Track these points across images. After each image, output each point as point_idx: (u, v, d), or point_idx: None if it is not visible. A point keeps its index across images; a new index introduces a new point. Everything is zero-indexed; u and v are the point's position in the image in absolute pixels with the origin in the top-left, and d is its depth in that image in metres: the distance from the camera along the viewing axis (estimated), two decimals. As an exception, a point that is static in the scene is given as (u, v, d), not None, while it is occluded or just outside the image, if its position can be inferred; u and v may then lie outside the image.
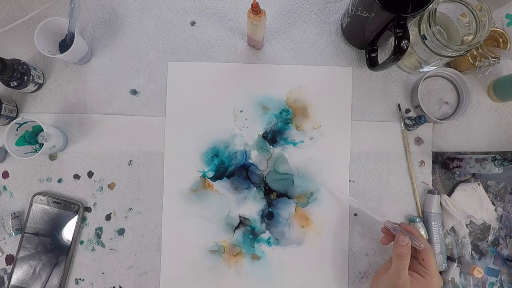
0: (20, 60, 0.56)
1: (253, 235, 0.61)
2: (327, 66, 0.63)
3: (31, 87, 0.58)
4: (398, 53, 0.50)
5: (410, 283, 0.50)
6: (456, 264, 0.60)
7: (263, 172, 0.61)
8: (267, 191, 0.61)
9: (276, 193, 0.61)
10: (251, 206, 0.61)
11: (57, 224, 0.59)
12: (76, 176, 0.60)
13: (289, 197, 0.61)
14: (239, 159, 0.61)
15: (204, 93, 0.62)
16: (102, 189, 0.60)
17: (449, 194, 0.62)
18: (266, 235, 0.61)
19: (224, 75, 0.62)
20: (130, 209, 0.60)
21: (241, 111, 0.62)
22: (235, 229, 0.61)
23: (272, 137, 0.62)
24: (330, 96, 0.63)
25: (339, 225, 0.61)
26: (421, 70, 0.61)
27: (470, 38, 0.54)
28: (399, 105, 0.63)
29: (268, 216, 0.61)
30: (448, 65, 0.63)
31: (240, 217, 0.61)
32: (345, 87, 0.63)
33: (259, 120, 0.62)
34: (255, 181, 0.61)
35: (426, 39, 0.53)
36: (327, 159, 0.62)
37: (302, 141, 0.62)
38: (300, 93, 0.62)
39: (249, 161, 0.61)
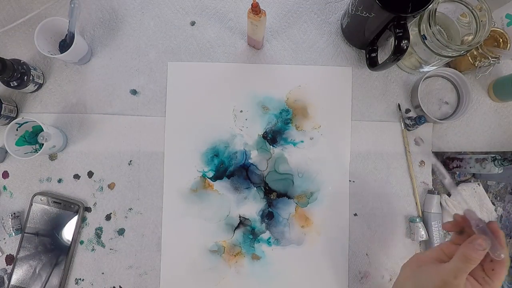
0: (20, 60, 0.56)
1: (253, 235, 0.61)
2: (327, 66, 0.63)
3: (31, 87, 0.58)
4: (398, 53, 0.50)
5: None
6: (456, 264, 0.59)
7: (263, 172, 0.61)
8: (267, 191, 0.61)
9: (276, 193, 0.61)
10: (251, 206, 0.61)
11: (57, 224, 0.59)
12: (76, 176, 0.60)
13: (289, 197, 0.61)
14: (239, 159, 0.61)
15: (204, 93, 0.62)
16: (102, 189, 0.60)
17: (449, 194, 0.62)
18: (266, 235, 0.61)
19: (224, 75, 0.62)
20: (130, 209, 0.60)
21: (241, 111, 0.62)
22: (235, 229, 0.61)
23: (272, 137, 0.62)
24: (330, 96, 0.63)
25: (339, 225, 0.61)
26: (421, 70, 0.61)
27: (470, 38, 0.54)
28: (399, 105, 0.63)
29: (268, 216, 0.61)
30: (448, 65, 0.63)
31: (240, 217, 0.61)
32: (345, 87, 0.63)
33: (259, 120, 0.62)
34: (255, 181, 0.61)
35: (426, 39, 0.53)
36: (327, 159, 0.62)
37: (302, 141, 0.62)
38: (300, 93, 0.62)
39: (249, 161, 0.61)
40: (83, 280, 0.59)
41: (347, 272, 0.61)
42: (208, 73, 0.62)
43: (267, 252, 0.60)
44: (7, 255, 0.59)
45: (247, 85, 0.62)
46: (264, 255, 0.60)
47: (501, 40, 0.59)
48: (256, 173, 0.61)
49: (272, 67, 0.63)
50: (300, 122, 0.62)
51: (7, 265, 0.59)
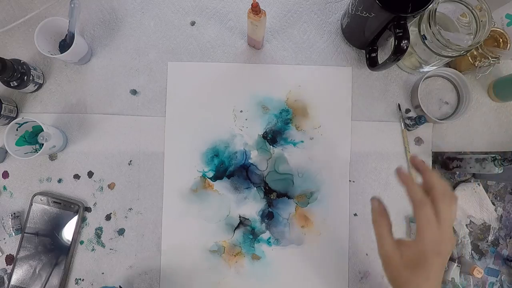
0: (20, 60, 0.56)
1: (253, 235, 0.61)
2: (327, 66, 0.63)
3: (31, 87, 0.58)
4: (398, 53, 0.50)
5: (400, 250, 0.40)
6: (456, 264, 0.60)
7: (263, 172, 0.61)
8: (267, 191, 0.61)
9: (276, 193, 0.61)
10: (251, 206, 0.61)
11: (57, 224, 0.59)
12: (76, 176, 0.60)
13: (289, 197, 0.61)
14: (239, 159, 0.61)
15: (204, 93, 0.62)
16: (102, 189, 0.60)
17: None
18: (266, 235, 0.61)
19: (224, 75, 0.62)
20: (130, 209, 0.60)
21: (241, 111, 0.62)
22: (235, 229, 0.61)
23: (272, 137, 0.62)
24: (330, 96, 0.63)
25: (339, 225, 0.61)
26: (421, 70, 0.61)
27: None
28: (399, 105, 0.63)
29: (268, 216, 0.61)
30: (448, 65, 0.63)
31: (240, 217, 0.61)
32: (345, 87, 0.63)
33: (259, 120, 0.62)
34: (255, 181, 0.61)
35: (426, 39, 0.53)
36: (327, 159, 0.62)
37: (302, 141, 0.62)
38: (300, 93, 0.62)
39: (249, 161, 0.61)
40: (83, 280, 0.59)
41: (347, 272, 0.61)
42: (208, 73, 0.62)
43: (267, 252, 0.60)
44: (7, 255, 0.59)
45: (247, 85, 0.62)
46: (264, 255, 0.60)
47: (501, 40, 0.59)
48: (256, 173, 0.61)
49: (272, 67, 0.63)
50: (300, 122, 0.62)
51: (7, 265, 0.59)
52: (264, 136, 0.62)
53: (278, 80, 0.62)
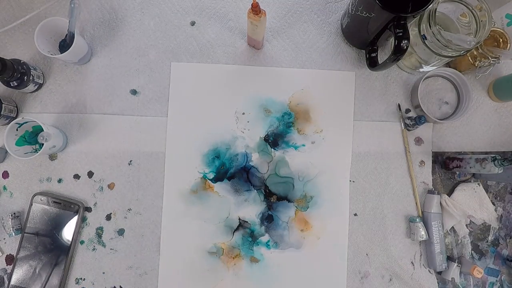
0: (20, 60, 0.56)
1: (252, 237, 0.60)
2: (331, 70, 0.63)
3: (31, 87, 0.58)
4: (398, 53, 0.50)
5: None
6: (456, 264, 0.60)
7: (263, 175, 0.61)
8: (267, 194, 0.61)
9: (276, 196, 0.61)
10: (251, 208, 0.61)
11: (57, 224, 0.59)
12: (76, 176, 0.60)
13: (289, 201, 0.61)
14: (240, 161, 0.61)
15: (207, 94, 0.62)
16: (102, 189, 0.60)
17: (449, 194, 0.62)
18: (265, 238, 0.61)
19: (227, 77, 0.62)
20: (129, 209, 0.60)
21: (243, 113, 0.62)
22: (234, 231, 0.61)
23: (274, 140, 0.62)
24: (332, 101, 0.62)
25: (339, 228, 0.61)
26: (421, 70, 0.61)
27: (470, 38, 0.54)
28: (399, 105, 0.63)
29: (268, 219, 0.61)
30: (448, 65, 0.63)
31: (239, 219, 0.61)
32: (348, 92, 0.63)
33: (261, 122, 0.62)
34: (256, 184, 0.61)
35: (426, 39, 0.53)
36: (328, 163, 0.62)
37: (303, 145, 0.62)
38: (303, 96, 0.62)
39: (250, 163, 0.61)
40: (84, 280, 0.59)
41: (345, 277, 0.60)
42: (212, 74, 0.62)
43: (266, 255, 0.60)
44: (7, 255, 0.59)
45: (250, 87, 0.62)
46: (262, 258, 0.60)
47: (501, 40, 0.59)
48: (256, 175, 0.61)
49: (275, 69, 0.63)
50: (302, 126, 0.62)
51: (7, 265, 0.59)
52: (266, 139, 0.62)
53: (281, 83, 0.62)
